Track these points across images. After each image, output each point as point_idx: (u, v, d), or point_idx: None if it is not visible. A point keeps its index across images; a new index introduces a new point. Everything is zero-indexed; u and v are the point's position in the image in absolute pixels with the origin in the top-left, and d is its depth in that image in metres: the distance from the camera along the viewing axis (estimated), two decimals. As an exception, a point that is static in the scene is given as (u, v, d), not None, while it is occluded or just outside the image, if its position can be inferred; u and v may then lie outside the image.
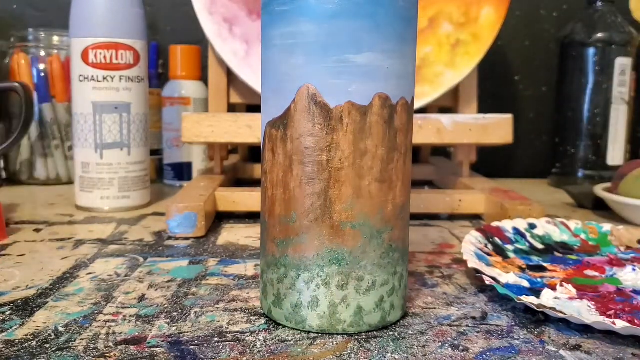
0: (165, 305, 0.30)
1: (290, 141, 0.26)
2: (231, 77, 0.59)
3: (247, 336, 0.26)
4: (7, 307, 0.29)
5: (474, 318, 0.29)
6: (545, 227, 0.43)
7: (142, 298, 0.31)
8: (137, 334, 0.26)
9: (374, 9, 0.25)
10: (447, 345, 0.26)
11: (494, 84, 0.78)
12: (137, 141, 0.53)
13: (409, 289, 0.33)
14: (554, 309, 0.28)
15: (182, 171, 0.68)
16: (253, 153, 0.76)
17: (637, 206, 0.50)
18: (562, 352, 0.25)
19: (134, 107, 0.53)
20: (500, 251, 0.39)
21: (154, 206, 0.56)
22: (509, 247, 0.40)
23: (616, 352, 0.25)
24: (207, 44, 0.58)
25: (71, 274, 0.35)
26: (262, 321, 0.28)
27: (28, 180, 0.68)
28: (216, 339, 0.26)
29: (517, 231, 0.41)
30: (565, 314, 0.27)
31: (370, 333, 0.27)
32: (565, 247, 0.41)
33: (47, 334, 0.26)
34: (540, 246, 0.41)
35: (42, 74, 0.66)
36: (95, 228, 0.47)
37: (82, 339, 0.26)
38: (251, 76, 0.55)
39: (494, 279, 0.33)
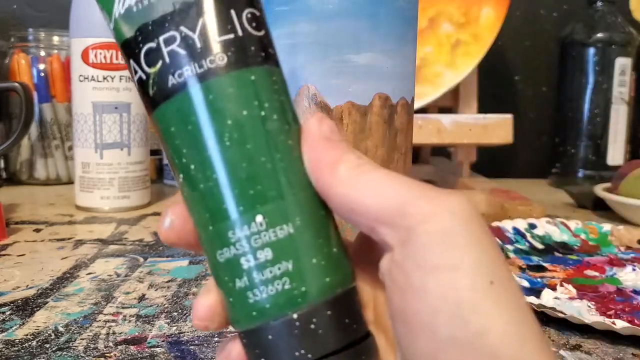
0: (165, 305, 0.30)
1: (290, 141, 0.26)
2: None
3: (247, 336, 0.26)
4: (7, 307, 0.29)
5: (474, 318, 0.29)
6: (545, 227, 0.43)
7: (142, 298, 0.31)
8: (137, 334, 0.26)
9: (373, 9, 0.25)
10: (447, 345, 0.26)
11: (494, 84, 0.78)
12: (137, 141, 0.53)
13: (409, 289, 0.33)
14: (554, 309, 0.28)
15: (182, 171, 0.68)
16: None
17: (637, 206, 0.50)
18: (562, 352, 0.25)
19: (134, 107, 0.53)
20: (500, 251, 0.39)
21: (154, 206, 0.56)
22: (509, 247, 0.40)
23: (616, 352, 0.25)
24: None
25: (71, 274, 0.35)
26: (262, 321, 0.28)
27: (28, 180, 0.68)
28: (216, 339, 0.26)
29: (517, 231, 0.41)
30: (565, 314, 0.27)
31: (370, 333, 0.27)
32: (565, 247, 0.41)
33: (47, 334, 0.26)
34: (540, 246, 0.41)
35: (42, 74, 0.66)
36: (95, 228, 0.47)
37: (82, 339, 0.26)
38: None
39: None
